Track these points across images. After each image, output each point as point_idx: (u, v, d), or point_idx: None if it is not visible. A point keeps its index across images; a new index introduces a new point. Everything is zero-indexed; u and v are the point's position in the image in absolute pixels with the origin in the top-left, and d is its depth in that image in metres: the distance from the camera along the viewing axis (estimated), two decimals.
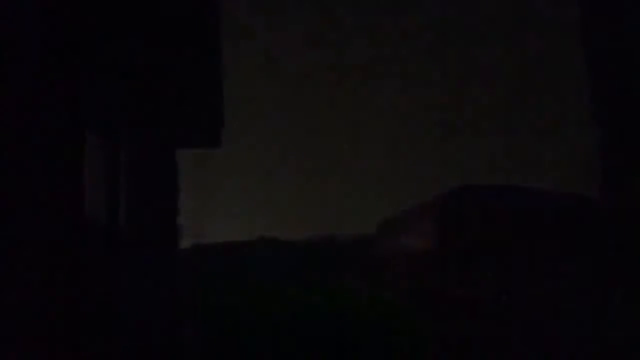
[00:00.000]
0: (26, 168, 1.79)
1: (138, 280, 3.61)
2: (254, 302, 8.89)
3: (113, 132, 2.92)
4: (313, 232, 11.72)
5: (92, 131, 2.51)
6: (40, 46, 1.89)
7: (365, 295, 10.91)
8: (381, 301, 9.74)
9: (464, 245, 13.92)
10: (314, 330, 9.25)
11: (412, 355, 9.80)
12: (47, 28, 1.94)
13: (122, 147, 3.04)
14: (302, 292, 9.43)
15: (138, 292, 3.62)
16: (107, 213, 2.60)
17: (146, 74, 3.25)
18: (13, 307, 1.73)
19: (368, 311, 9.98)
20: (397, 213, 17.30)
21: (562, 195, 14.56)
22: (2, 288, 1.73)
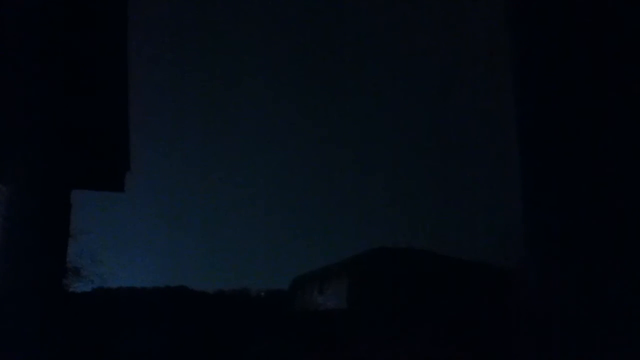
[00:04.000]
0: None
1: (22, 328, 3.38)
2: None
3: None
4: (224, 284, 11.42)
5: None
6: None
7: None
8: None
9: (374, 306, 13.94)
10: None
11: None
12: None
13: (8, 184, 2.89)
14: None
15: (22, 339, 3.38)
16: None
17: (46, 110, 3.14)
18: None
19: None
20: (312, 270, 17.23)
21: (474, 263, 14.92)
22: None
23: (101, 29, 3.14)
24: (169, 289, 10.53)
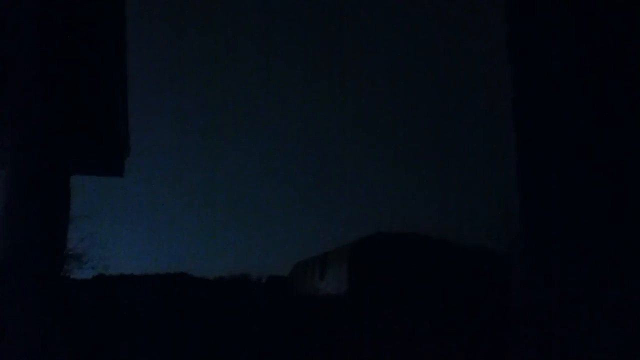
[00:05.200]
0: None
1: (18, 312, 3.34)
2: None
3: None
4: (225, 270, 11.40)
5: None
6: None
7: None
8: None
9: (374, 291, 13.97)
10: None
11: None
12: None
13: (9, 168, 2.85)
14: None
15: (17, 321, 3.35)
16: None
17: (44, 94, 3.09)
18: None
19: None
20: (312, 257, 17.23)
21: (473, 248, 14.91)
22: None
23: (96, 11, 3.08)
24: (170, 275, 10.52)
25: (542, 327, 1.37)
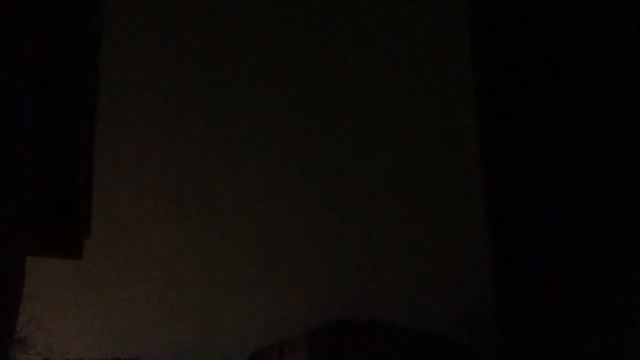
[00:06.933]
0: None
1: None
2: None
3: None
4: (180, 357, 10.98)
5: None
6: None
7: None
8: None
9: None
10: None
11: None
12: None
13: None
14: None
15: None
16: None
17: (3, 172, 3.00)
18: None
19: None
20: (270, 344, 16.78)
21: (435, 338, 14.75)
22: None
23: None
24: None
25: None
